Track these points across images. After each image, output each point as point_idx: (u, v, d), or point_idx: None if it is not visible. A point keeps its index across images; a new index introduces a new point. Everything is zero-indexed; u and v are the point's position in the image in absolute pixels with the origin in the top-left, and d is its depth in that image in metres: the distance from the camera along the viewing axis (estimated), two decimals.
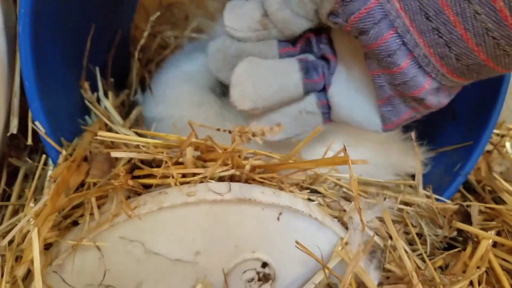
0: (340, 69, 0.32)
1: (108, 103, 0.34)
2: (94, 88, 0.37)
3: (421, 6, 0.24)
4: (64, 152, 0.29)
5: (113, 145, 0.31)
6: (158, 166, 0.29)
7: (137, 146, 0.30)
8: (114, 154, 0.27)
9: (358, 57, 0.31)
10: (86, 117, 0.35)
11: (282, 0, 0.30)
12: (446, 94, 0.28)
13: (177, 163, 0.30)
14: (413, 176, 0.38)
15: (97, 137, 0.27)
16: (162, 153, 0.28)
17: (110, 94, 0.36)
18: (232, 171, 0.30)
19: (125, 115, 0.40)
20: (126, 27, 0.56)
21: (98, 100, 0.36)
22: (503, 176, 0.45)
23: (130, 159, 0.29)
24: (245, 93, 0.31)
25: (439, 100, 0.28)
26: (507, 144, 0.49)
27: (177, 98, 0.38)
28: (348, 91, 0.31)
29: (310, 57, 0.33)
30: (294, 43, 0.33)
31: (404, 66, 0.26)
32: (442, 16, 0.23)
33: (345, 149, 0.27)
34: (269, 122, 0.33)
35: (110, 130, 0.33)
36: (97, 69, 0.37)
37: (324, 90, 0.33)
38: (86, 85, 0.35)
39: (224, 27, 0.31)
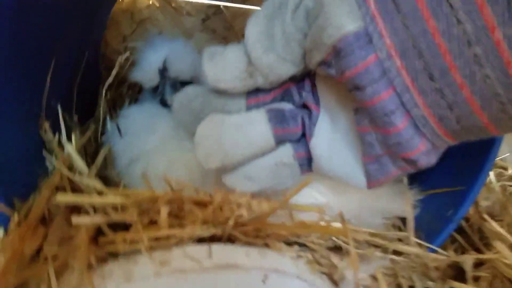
0: (324, 119, 0.29)
1: (71, 148, 0.30)
2: (55, 125, 0.33)
3: (425, 65, 0.21)
4: (16, 218, 0.25)
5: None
6: (128, 226, 0.26)
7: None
8: (76, 220, 0.23)
9: (345, 107, 0.28)
10: (47, 162, 0.31)
11: (267, 44, 0.27)
12: (436, 153, 0.26)
13: (150, 222, 0.27)
14: (402, 219, 0.36)
15: (56, 199, 0.24)
16: (132, 215, 0.25)
17: (73, 136, 0.32)
18: (213, 231, 0.27)
19: (92, 153, 0.36)
20: (96, 45, 0.51)
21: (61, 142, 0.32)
22: (489, 209, 0.44)
23: None
24: (210, 152, 0.28)
25: (429, 160, 0.26)
26: (491, 174, 0.49)
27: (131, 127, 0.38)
28: (332, 144, 0.29)
29: (287, 105, 0.30)
30: (268, 91, 0.31)
31: (401, 127, 0.24)
32: (448, 78, 0.21)
33: (343, 219, 0.25)
34: (243, 175, 0.30)
35: (72, 181, 0.29)
36: (59, 107, 0.33)
37: (302, 139, 0.31)
38: (46, 125, 0.31)
39: (205, 78, 0.28)
